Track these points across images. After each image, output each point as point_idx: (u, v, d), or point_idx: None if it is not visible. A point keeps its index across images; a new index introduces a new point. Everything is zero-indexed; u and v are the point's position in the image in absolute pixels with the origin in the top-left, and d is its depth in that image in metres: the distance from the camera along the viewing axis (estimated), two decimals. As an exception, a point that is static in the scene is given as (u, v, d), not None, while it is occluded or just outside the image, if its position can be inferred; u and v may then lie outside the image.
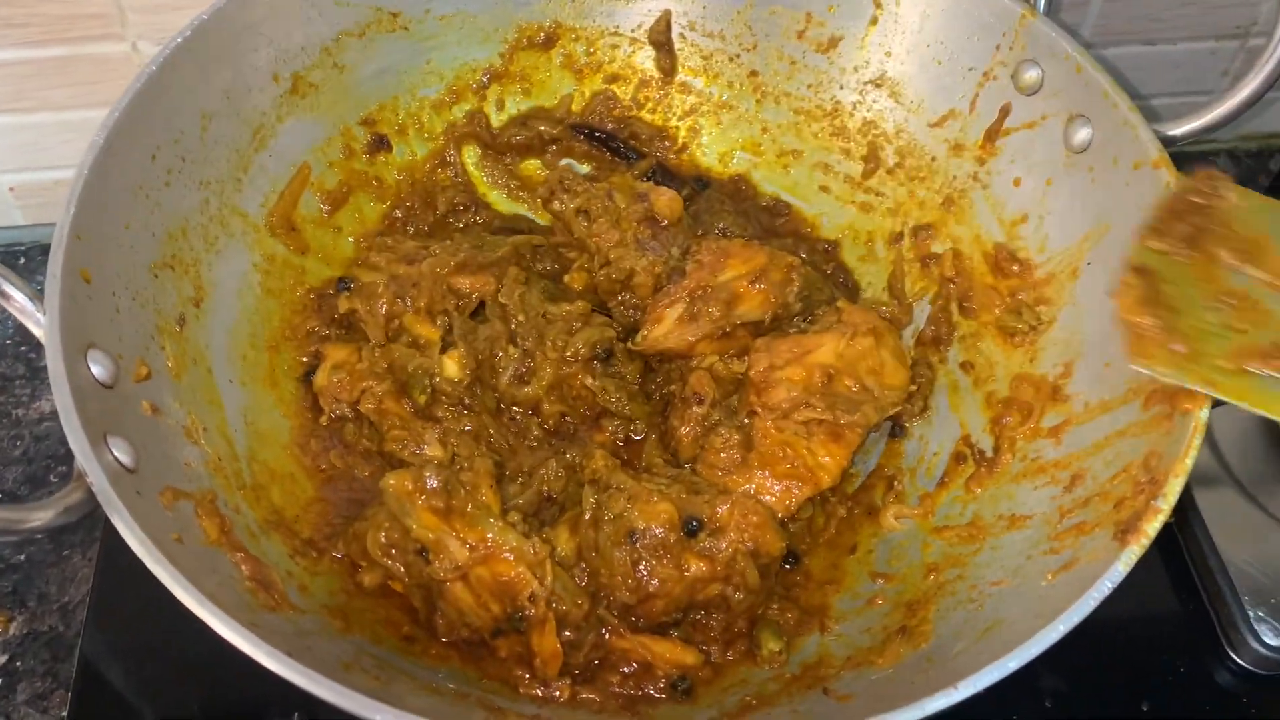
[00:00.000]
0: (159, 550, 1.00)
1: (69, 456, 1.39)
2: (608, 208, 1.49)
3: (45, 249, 1.75)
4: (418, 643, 1.16)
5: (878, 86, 1.59)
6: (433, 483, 1.15)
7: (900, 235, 1.56)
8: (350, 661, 1.09)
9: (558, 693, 1.11)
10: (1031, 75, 1.44)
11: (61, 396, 1.06)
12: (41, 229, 1.90)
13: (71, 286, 1.14)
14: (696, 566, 1.16)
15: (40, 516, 1.05)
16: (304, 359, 1.44)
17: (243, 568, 1.13)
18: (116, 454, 1.08)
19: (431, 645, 1.16)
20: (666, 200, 1.51)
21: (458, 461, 1.25)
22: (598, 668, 1.16)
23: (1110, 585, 1.00)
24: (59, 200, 1.19)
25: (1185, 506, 1.57)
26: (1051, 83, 1.42)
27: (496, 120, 1.65)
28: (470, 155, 1.65)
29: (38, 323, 1.15)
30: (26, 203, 1.86)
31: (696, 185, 1.65)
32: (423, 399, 1.37)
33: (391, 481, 1.15)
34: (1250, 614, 1.50)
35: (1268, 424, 1.66)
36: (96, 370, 1.14)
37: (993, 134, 1.49)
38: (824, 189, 1.59)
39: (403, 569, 1.18)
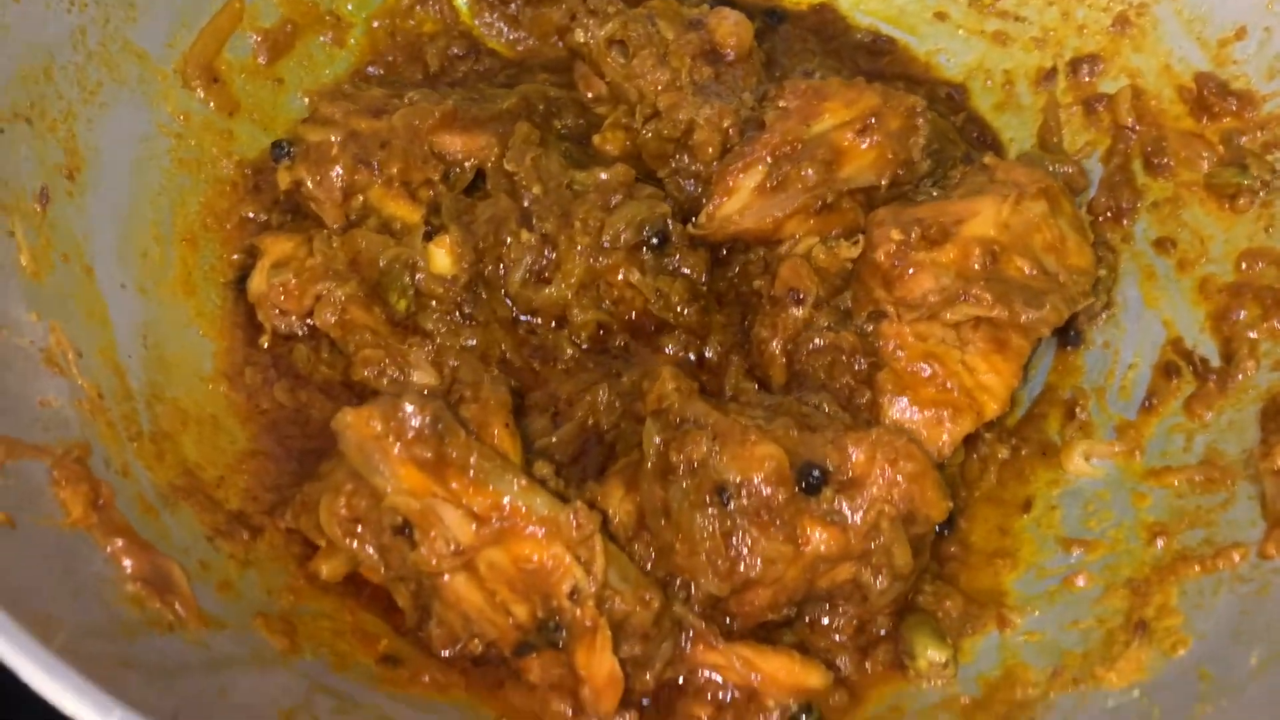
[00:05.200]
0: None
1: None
2: (651, 37, 1.08)
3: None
4: (404, 665, 0.85)
5: (1014, -128, 1.17)
6: (414, 420, 0.74)
7: (1053, 72, 1.19)
8: (295, 707, 0.69)
9: (619, 736, 0.73)
10: None
11: None
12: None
13: None
14: (819, 538, 0.78)
15: None
16: (234, 256, 1.05)
17: (124, 561, 0.72)
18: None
19: (425, 667, 0.84)
20: (731, 24, 1.13)
21: (456, 390, 0.83)
22: (676, 694, 0.84)
23: None
24: None
25: None
26: None
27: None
28: (459, -9, 1.23)
29: None
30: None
31: (768, 19, 1.25)
32: (403, 305, 0.99)
33: (349, 419, 0.74)
34: None
35: None
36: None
37: (1189, -80, 1.08)
38: (940, 16, 1.26)
39: (375, 554, 0.78)
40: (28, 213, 0.90)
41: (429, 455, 0.75)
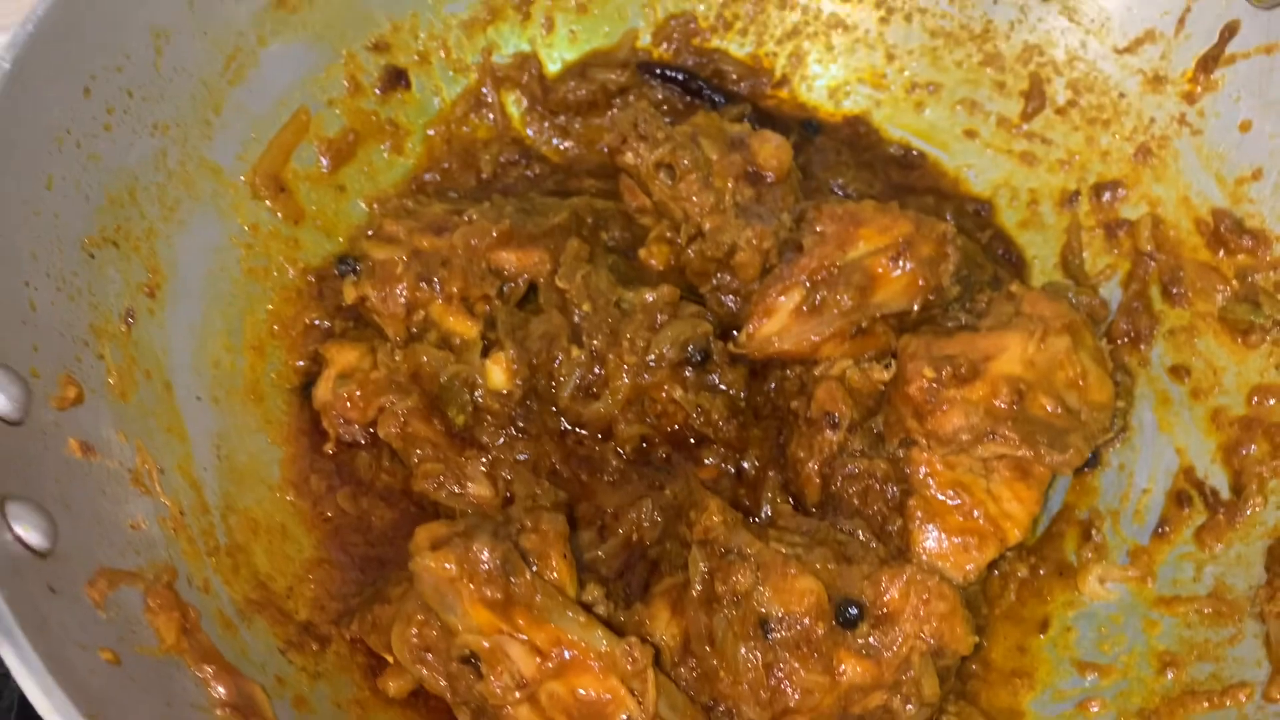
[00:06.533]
0: (71, 693, 0.65)
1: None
2: (697, 162, 1.12)
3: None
4: (464, 778, 0.82)
5: (1045, 0, 1.21)
6: (488, 564, 0.79)
7: (1076, 195, 1.22)
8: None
9: None
10: (1274, -19, 1.07)
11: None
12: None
13: (-42, 276, 0.79)
14: (854, 669, 0.84)
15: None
16: (299, 363, 1.09)
17: (215, 687, 0.78)
18: (19, 530, 0.74)
19: (484, 781, 0.82)
20: (773, 148, 1.16)
21: (514, 519, 0.89)
22: (719, 813, 0.83)
23: None
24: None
25: None
26: (1306, -10, 1.05)
27: (546, 54, 1.27)
28: (512, 100, 1.27)
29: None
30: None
31: (805, 130, 1.28)
32: (461, 419, 1.03)
33: (429, 564, 0.80)
34: None
35: None
36: (-5, 398, 0.78)
37: (1209, 62, 1.13)
38: (970, 134, 1.28)
39: (444, 682, 0.83)
40: (115, 334, 0.94)
41: (499, 596, 0.80)
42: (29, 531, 0.74)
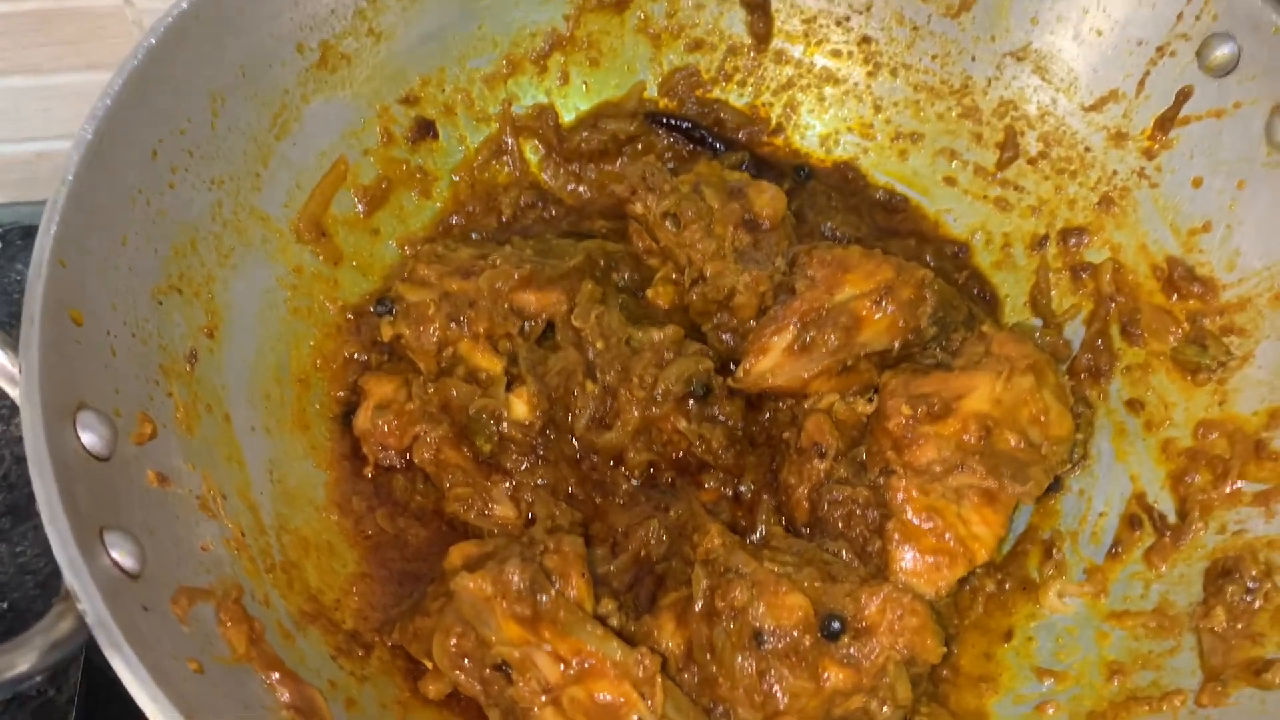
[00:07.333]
0: (173, 699, 0.76)
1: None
2: (700, 212, 1.24)
3: (26, 230, 1.53)
4: (495, 770, 0.93)
5: (1019, 60, 1.33)
6: (518, 584, 0.91)
7: (1045, 239, 1.32)
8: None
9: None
10: (1224, 52, 1.18)
11: (45, 488, 0.82)
12: (21, 208, 1.64)
13: (56, 333, 0.90)
14: (836, 676, 0.96)
15: (19, 663, 0.80)
16: (340, 393, 1.20)
17: (281, 692, 0.90)
18: (115, 555, 0.85)
19: (512, 772, 0.94)
20: (768, 198, 1.27)
21: (537, 541, 1.00)
22: (718, 802, 0.94)
23: None
24: (38, 176, 0.95)
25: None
26: (1251, 62, 1.16)
27: (562, 104, 1.38)
28: (530, 147, 1.38)
29: (11, 380, 0.90)
30: (3, 179, 1.60)
31: (798, 175, 1.39)
32: (488, 448, 1.13)
33: (470, 585, 0.92)
34: None
35: None
36: (89, 438, 0.90)
37: (1166, 122, 1.24)
38: (949, 180, 1.37)
39: (479, 686, 0.95)
40: (181, 373, 1.04)
41: (527, 612, 0.92)
42: (123, 556, 0.85)
